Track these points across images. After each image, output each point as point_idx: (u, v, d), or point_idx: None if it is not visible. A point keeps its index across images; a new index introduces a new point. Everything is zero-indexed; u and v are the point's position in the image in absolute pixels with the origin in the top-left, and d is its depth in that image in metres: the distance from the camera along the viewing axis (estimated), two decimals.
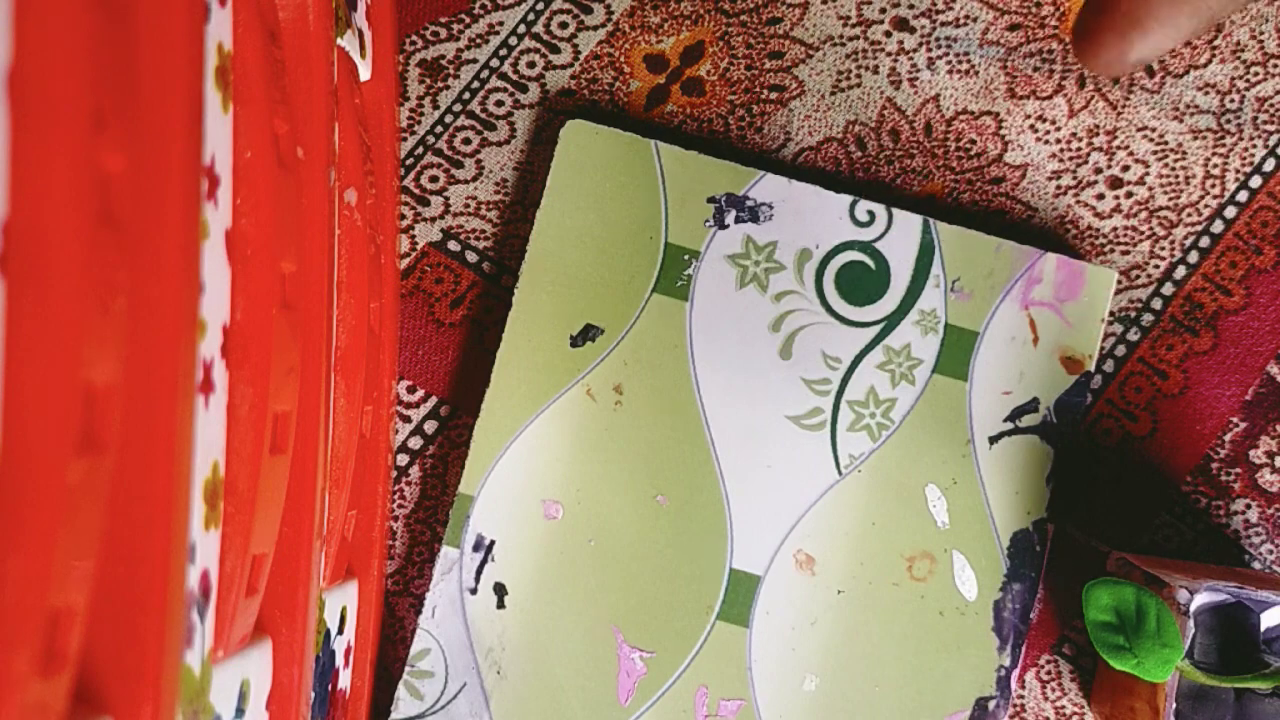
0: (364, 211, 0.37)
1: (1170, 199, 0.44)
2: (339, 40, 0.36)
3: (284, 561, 0.31)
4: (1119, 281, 0.44)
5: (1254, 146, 0.44)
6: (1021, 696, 0.44)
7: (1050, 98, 0.44)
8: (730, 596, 0.43)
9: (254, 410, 0.28)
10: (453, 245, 0.45)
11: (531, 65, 0.46)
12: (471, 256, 0.45)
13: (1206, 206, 0.44)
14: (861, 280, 0.43)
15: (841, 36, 0.45)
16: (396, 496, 0.45)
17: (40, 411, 0.18)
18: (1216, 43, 0.44)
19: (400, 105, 0.46)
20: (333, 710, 0.38)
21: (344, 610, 0.39)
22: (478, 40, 0.46)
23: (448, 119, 0.46)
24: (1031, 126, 0.44)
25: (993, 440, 0.43)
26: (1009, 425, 0.43)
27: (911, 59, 0.44)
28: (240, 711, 0.28)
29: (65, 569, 0.19)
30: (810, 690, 0.43)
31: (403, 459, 0.45)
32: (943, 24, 0.44)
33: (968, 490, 0.43)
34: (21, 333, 0.17)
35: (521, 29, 0.46)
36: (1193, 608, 0.38)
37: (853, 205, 0.44)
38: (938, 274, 0.43)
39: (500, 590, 0.43)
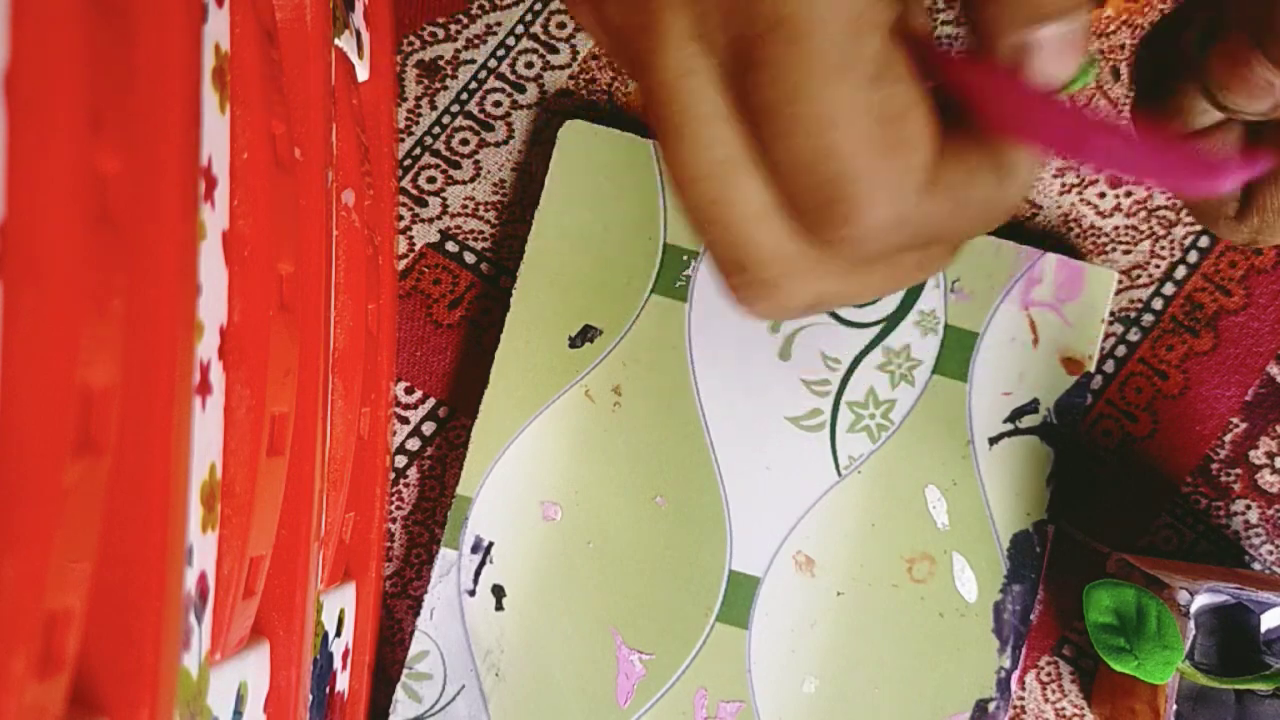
0: (361, 212, 0.37)
1: (1168, 198, 0.44)
2: (336, 41, 0.35)
3: (281, 564, 0.31)
4: (1120, 281, 0.44)
5: None
6: (1021, 698, 0.44)
7: None
8: (729, 598, 0.43)
9: (251, 412, 0.28)
10: (451, 246, 0.45)
11: (529, 65, 0.46)
12: (469, 257, 0.45)
13: None
14: None
15: None
16: (394, 498, 0.45)
17: (37, 413, 0.18)
18: None
19: (398, 106, 0.45)
20: (330, 713, 0.38)
21: (342, 612, 0.39)
22: (475, 41, 0.46)
23: (445, 120, 0.46)
24: None
25: (993, 441, 0.43)
26: (1009, 426, 0.43)
27: None
28: (238, 714, 0.28)
29: (62, 571, 0.19)
30: (810, 692, 0.43)
31: (401, 460, 0.45)
32: (943, 23, 0.44)
33: (968, 491, 0.43)
34: (18, 334, 0.17)
35: (519, 29, 0.46)
36: (1193, 609, 0.38)
37: None
38: (937, 275, 0.43)
39: (499, 592, 0.43)
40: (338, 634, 0.38)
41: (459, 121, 0.46)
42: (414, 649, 0.43)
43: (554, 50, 0.46)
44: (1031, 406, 0.43)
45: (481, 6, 0.46)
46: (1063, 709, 0.44)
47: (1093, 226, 0.44)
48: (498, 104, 0.46)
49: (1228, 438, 0.44)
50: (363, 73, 0.40)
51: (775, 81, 0.23)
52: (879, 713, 0.42)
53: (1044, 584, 0.44)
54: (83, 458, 0.19)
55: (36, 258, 0.17)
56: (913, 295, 0.43)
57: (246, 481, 0.28)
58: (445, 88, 0.46)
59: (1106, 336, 0.44)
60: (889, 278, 0.26)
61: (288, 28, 0.31)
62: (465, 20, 0.46)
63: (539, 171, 0.45)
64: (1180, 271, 0.44)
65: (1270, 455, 0.44)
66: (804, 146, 0.23)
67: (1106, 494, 0.44)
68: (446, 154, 0.45)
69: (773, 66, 0.23)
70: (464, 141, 0.46)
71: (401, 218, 0.45)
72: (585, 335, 0.44)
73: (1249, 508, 0.44)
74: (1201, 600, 0.38)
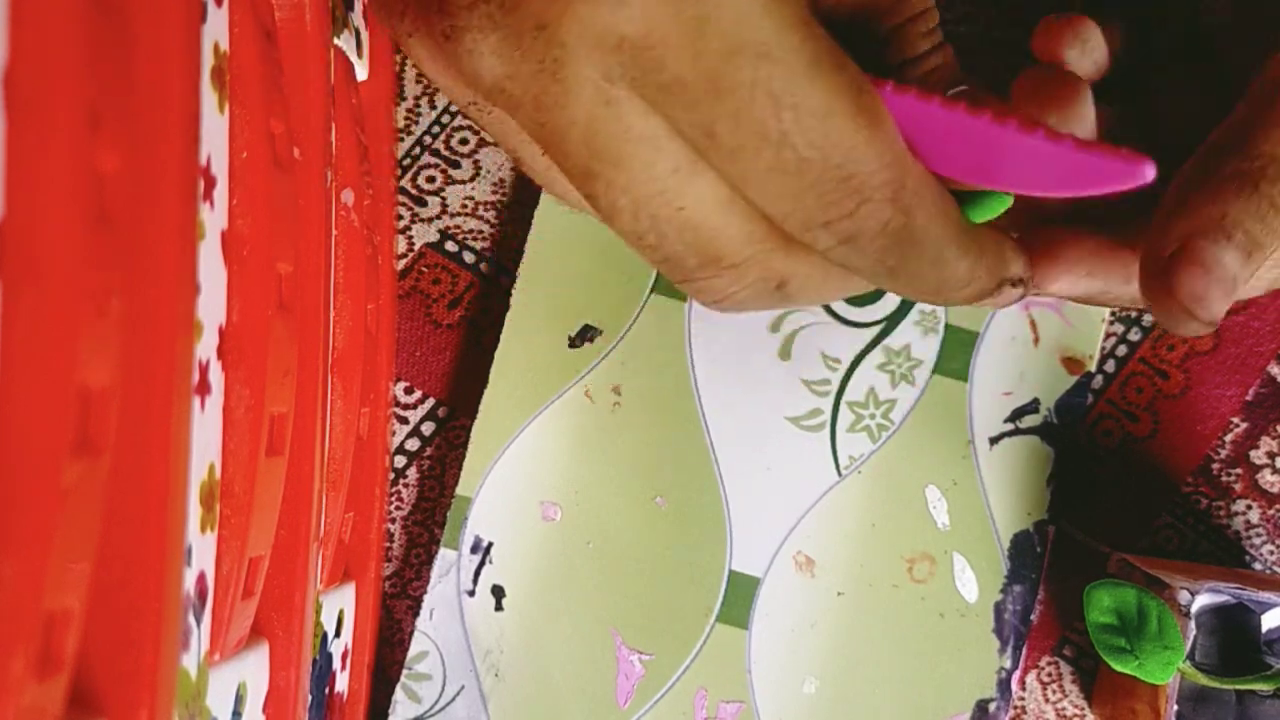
0: (361, 212, 0.37)
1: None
2: (336, 40, 0.35)
3: (281, 564, 0.31)
4: None
5: None
6: (1022, 698, 0.44)
7: None
8: (729, 598, 0.43)
9: (250, 412, 0.27)
10: (450, 246, 0.45)
11: None
12: (469, 257, 0.45)
13: None
14: None
15: None
16: (394, 498, 0.45)
17: (35, 413, 0.18)
18: None
19: (397, 105, 0.45)
20: (330, 713, 0.38)
21: (341, 613, 0.39)
22: None
23: (445, 119, 0.46)
24: None
25: (993, 441, 0.43)
26: (1009, 426, 0.43)
27: None
28: (237, 715, 0.28)
29: (61, 572, 0.19)
30: (810, 693, 0.43)
31: (400, 461, 0.45)
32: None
33: (968, 491, 0.43)
34: (16, 334, 0.17)
35: None
36: (1194, 609, 0.38)
37: None
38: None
39: (498, 592, 0.43)
40: (337, 634, 0.38)
41: (458, 121, 0.46)
42: (413, 649, 0.43)
43: None
44: (1032, 406, 0.43)
45: None
46: (1063, 709, 0.44)
47: None
48: None
49: (1228, 437, 0.44)
50: (362, 72, 0.40)
51: (743, 112, 0.24)
52: (879, 713, 0.42)
53: (1044, 584, 0.43)
54: (82, 458, 0.19)
55: (35, 257, 0.17)
56: None
57: (245, 482, 0.28)
58: None
59: (1107, 336, 0.44)
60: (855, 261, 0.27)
61: (287, 27, 0.31)
62: None
63: None
64: None
65: (1271, 455, 0.44)
66: (798, 153, 0.24)
67: (1107, 494, 0.44)
68: (446, 153, 0.45)
69: (738, 93, 0.23)
70: (463, 141, 0.45)
71: (401, 217, 0.45)
72: (585, 335, 0.44)
73: (1250, 508, 0.44)
74: (1202, 600, 0.38)
